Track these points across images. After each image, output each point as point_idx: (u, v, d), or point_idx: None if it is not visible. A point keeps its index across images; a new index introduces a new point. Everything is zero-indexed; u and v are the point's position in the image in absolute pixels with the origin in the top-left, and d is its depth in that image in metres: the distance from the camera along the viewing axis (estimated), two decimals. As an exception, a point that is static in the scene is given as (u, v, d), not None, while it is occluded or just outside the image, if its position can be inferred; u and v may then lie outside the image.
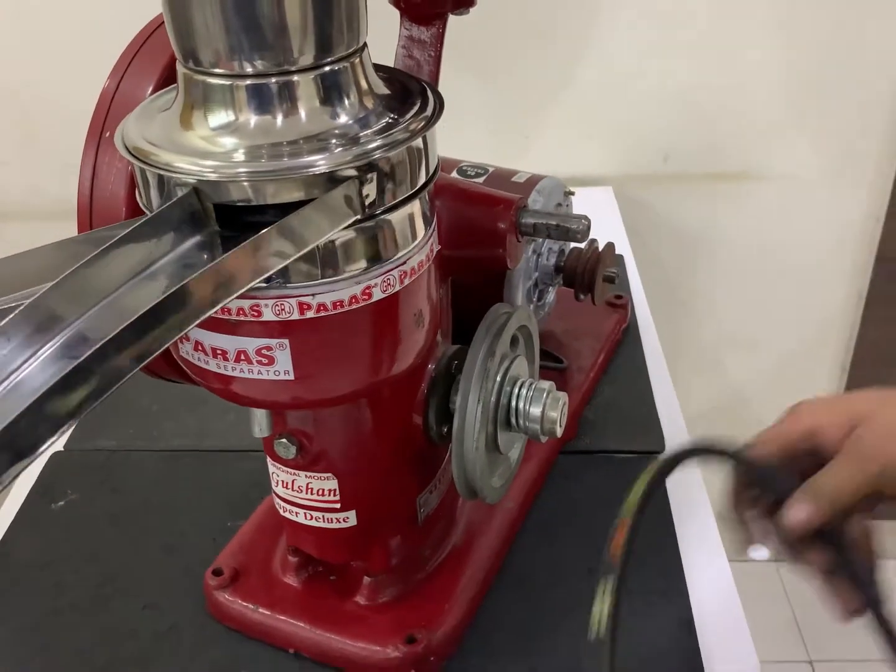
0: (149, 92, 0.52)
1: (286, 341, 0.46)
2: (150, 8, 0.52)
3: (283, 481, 0.57)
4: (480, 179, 0.80)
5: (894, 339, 1.29)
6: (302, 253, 0.41)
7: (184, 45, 0.43)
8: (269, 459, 0.58)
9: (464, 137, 0.96)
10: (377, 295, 0.46)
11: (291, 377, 0.47)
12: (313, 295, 0.45)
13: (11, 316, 0.34)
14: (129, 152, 0.44)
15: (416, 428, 0.58)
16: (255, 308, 0.45)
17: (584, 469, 0.75)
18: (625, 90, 1.16)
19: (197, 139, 0.43)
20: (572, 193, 0.84)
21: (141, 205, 0.46)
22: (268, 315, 0.45)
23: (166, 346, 0.35)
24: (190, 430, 0.82)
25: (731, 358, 1.35)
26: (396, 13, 0.61)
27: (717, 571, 0.67)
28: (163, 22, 0.50)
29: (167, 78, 0.51)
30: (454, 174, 0.78)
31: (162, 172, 0.42)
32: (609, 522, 0.70)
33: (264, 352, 0.46)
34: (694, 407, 1.30)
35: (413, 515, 0.60)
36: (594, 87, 1.17)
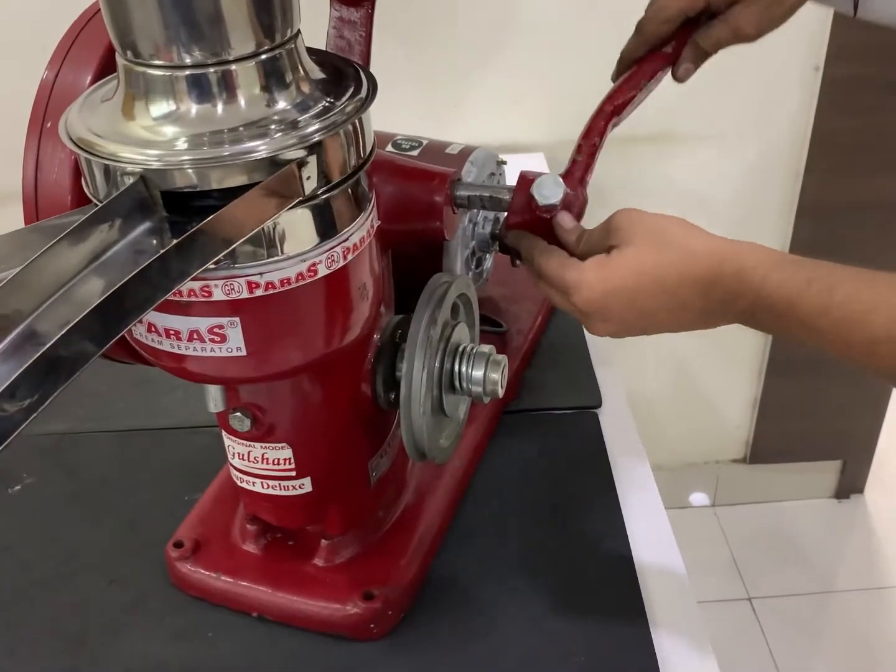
0: (88, 81, 0.54)
1: (237, 319, 0.48)
2: (82, -4, 0.54)
3: (238, 453, 0.59)
4: (415, 153, 0.82)
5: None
6: (248, 236, 0.43)
7: (123, 38, 0.45)
8: (224, 433, 0.60)
9: (394, 107, 0.97)
10: (322, 271, 0.49)
11: (244, 353, 0.49)
12: (261, 274, 0.47)
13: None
14: (75, 143, 0.45)
15: (364, 396, 0.60)
16: (206, 289, 0.47)
17: (527, 427, 0.79)
18: (551, 56, 1.18)
19: (140, 129, 0.45)
20: (504, 163, 0.87)
21: (88, 194, 0.48)
22: (218, 295, 0.47)
23: (126, 329, 0.38)
24: (140, 410, 0.84)
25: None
26: (325, -6, 0.63)
27: (654, 517, 0.72)
28: (98, 10, 0.52)
29: (106, 66, 0.52)
30: (389, 148, 0.80)
31: (108, 162, 0.44)
32: (550, 475, 0.74)
33: (216, 330, 0.48)
34: (631, 361, 1.35)
35: (365, 479, 0.63)
36: (522, 54, 1.19)
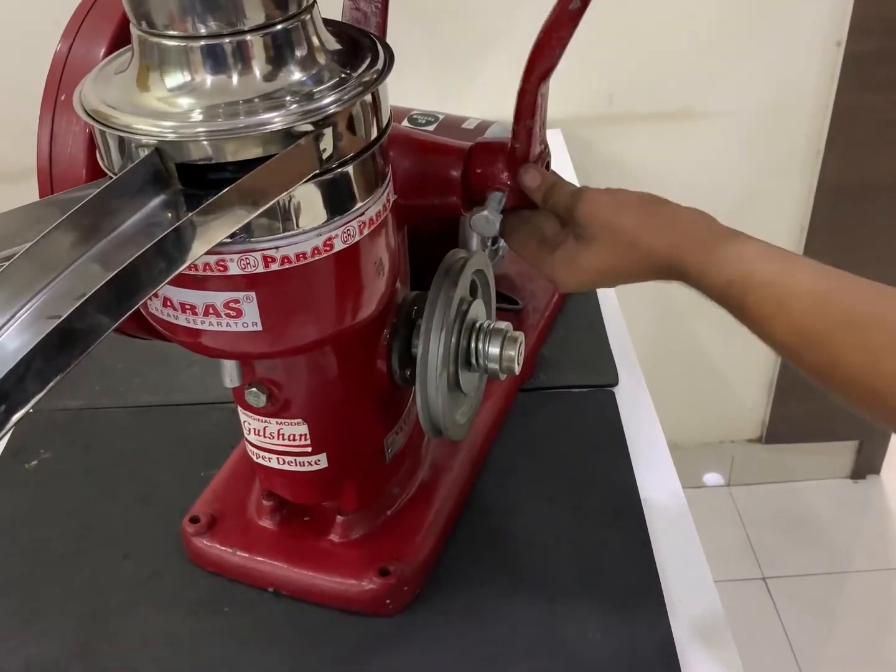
0: (102, 54, 0.53)
1: (253, 294, 0.47)
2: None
3: (254, 429, 0.59)
4: (431, 127, 0.81)
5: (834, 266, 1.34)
6: (263, 209, 0.42)
7: (137, 9, 0.44)
8: (240, 409, 0.60)
9: (409, 81, 0.97)
10: (338, 246, 0.48)
11: (259, 328, 0.49)
12: (276, 248, 0.46)
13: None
14: (89, 115, 0.45)
15: (380, 372, 0.60)
16: (221, 263, 0.46)
17: (542, 405, 0.78)
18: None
19: (155, 100, 0.45)
20: (521, 138, 0.86)
21: (103, 166, 0.47)
22: (234, 269, 0.47)
23: (140, 303, 0.37)
24: (156, 386, 0.84)
25: (686, 299, 1.38)
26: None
27: (671, 496, 0.71)
28: (111, -18, 0.51)
29: (120, 38, 0.52)
30: (405, 123, 0.79)
31: (123, 134, 0.43)
32: (566, 453, 0.74)
33: (232, 305, 0.48)
34: (647, 340, 1.34)
35: (381, 455, 0.63)
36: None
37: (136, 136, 0.43)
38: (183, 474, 0.73)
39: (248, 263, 0.47)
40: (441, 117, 0.83)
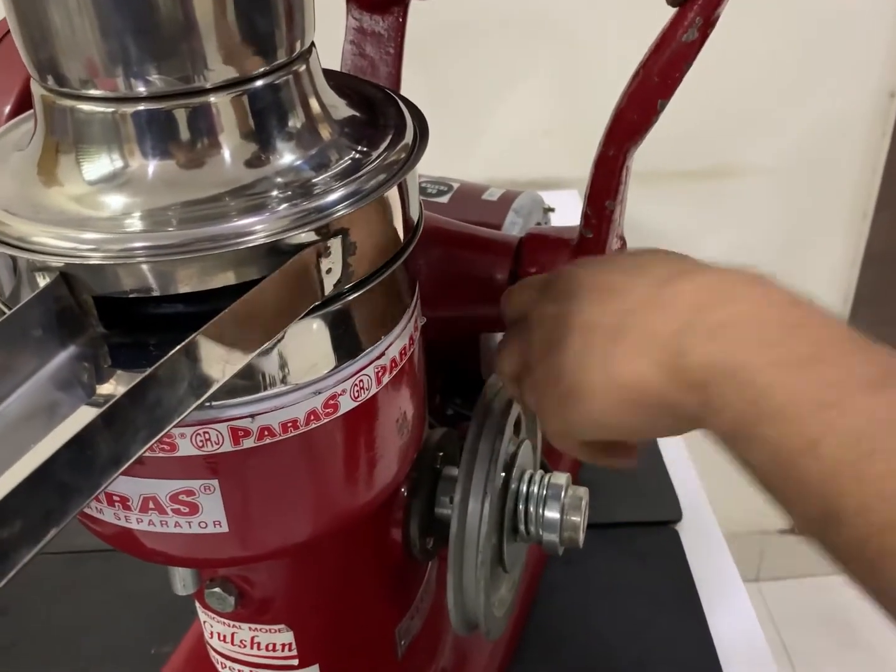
0: (6, 114, 0.38)
1: (215, 482, 0.31)
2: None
3: (218, 633, 0.43)
4: (444, 199, 0.66)
5: (880, 341, 1.20)
6: (237, 370, 0.26)
7: (39, 55, 0.28)
8: (197, 605, 0.43)
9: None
10: (346, 405, 0.32)
11: (224, 529, 0.32)
12: (252, 416, 0.30)
13: None
14: (-34, 217, 0.29)
15: (393, 545, 0.44)
16: (167, 439, 0.30)
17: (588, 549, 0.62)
18: (586, 83, 1.03)
19: (66, 198, 0.29)
20: (552, 210, 0.71)
21: (-12, 291, 0.31)
22: (186, 448, 0.30)
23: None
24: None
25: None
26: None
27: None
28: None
29: (26, 102, 0.36)
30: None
31: (14, 253, 0.27)
32: (624, 620, 0.58)
33: (182, 497, 0.31)
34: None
35: (392, 652, 0.46)
36: (553, 80, 1.04)
37: (34, 256, 0.27)
38: (128, 650, 0.56)
39: (209, 439, 0.30)
40: (455, 186, 0.67)
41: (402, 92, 0.40)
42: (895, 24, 1.00)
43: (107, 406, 0.23)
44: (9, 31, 0.39)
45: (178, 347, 0.24)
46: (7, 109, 0.38)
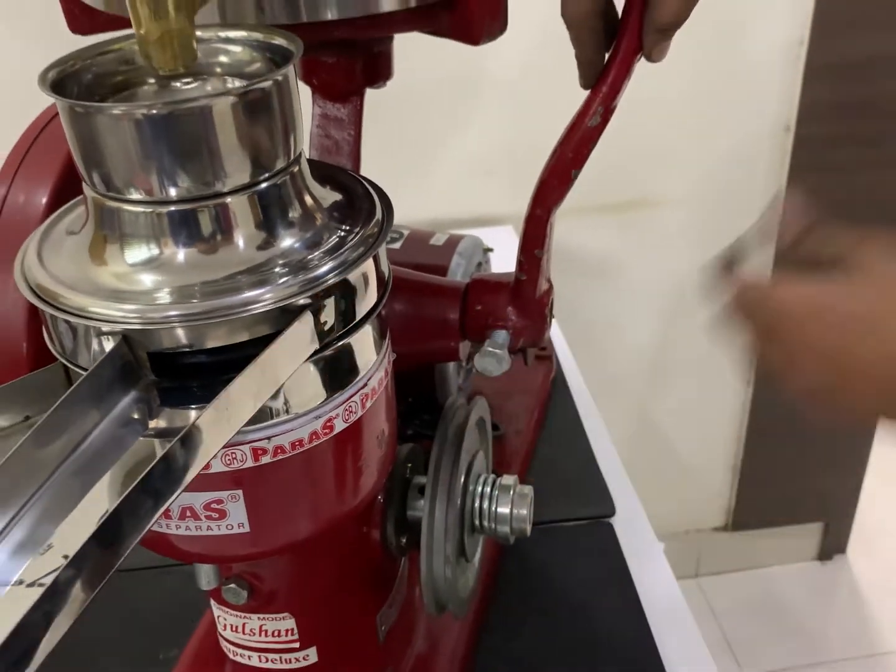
0: (44, 201, 0.46)
1: (239, 492, 0.40)
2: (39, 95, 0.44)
3: (231, 625, 0.51)
4: (397, 245, 0.75)
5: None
6: (263, 402, 0.35)
7: (91, 167, 0.37)
8: (212, 602, 0.51)
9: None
10: (339, 426, 0.41)
11: (247, 529, 0.41)
12: (269, 438, 0.39)
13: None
14: (34, 293, 0.37)
15: (373, 543, 0.52)
16: (202, 460, 0.39)
17: (537, 543, 0.71)
18: (515, 121, 1.13)
19: (113, 277, 0.37)
20: (490, 250, 0.81)
21: (53, 350, 0.39)
22: (216, 466, 0.39)
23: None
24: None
25: (649, 389, 1.34)
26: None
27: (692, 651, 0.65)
28: (56, 113, 0.44)
29: (67, 181, 0.45)
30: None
31: (78, 321, 0.36)
32: (572, 601, 0.67)
33: (214, 506, 0.40)
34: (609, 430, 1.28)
35: (374, 636, 0.55)
36: (485, 119, 1.14)
37: (96, 323, 0.35)
38: (137, 657, 0.64)
39: (235, 458, 0.39)
40: (406, 233, 0.77)
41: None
42: (786, 69, 1.13)
43: (165, 451, 0.31)
44: (47, 125, 0.48)
45: (213, 402, 0.33)
46: (44, 200, 0.46)
